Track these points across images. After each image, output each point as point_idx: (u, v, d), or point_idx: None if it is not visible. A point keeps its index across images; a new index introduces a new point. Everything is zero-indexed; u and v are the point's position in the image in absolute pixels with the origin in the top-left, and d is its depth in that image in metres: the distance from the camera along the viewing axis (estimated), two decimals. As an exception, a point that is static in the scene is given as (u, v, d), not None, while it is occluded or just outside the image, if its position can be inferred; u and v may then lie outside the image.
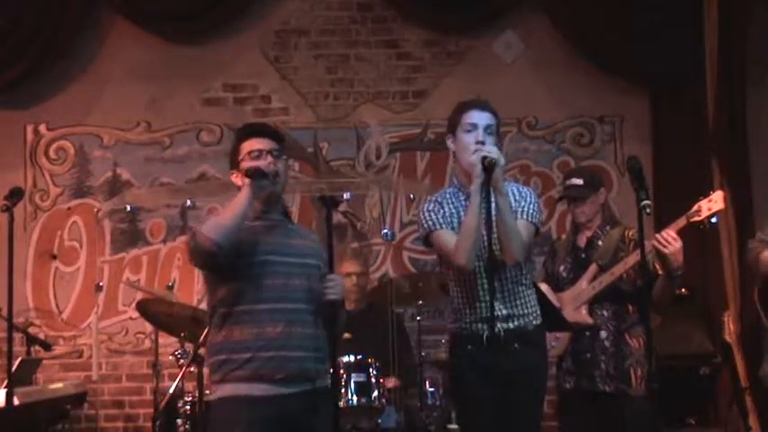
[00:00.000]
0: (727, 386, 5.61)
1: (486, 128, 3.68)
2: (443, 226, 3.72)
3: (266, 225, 3.42)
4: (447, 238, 3.69)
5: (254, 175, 3.31)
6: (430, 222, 3.74)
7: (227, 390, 3.28)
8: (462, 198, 3.74)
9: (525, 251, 3.70)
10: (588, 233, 4.47)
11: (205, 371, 4.58)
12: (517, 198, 3.74)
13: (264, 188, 3.36)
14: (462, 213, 3.70)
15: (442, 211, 3.75)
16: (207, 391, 4.56)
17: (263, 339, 3.24)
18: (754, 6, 6.01)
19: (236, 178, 3.45)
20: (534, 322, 3.78)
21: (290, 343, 3.27)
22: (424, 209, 3.79)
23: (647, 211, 3.54)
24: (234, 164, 3.47)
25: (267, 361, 3.24)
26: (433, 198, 3.83)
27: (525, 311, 3.75)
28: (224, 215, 3.31)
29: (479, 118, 3.70)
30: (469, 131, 3.69)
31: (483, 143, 3.62)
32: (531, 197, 3.77)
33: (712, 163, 5.82)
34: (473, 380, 3.72)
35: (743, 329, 5.53)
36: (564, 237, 4.72)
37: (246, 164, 3.37)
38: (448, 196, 3.80)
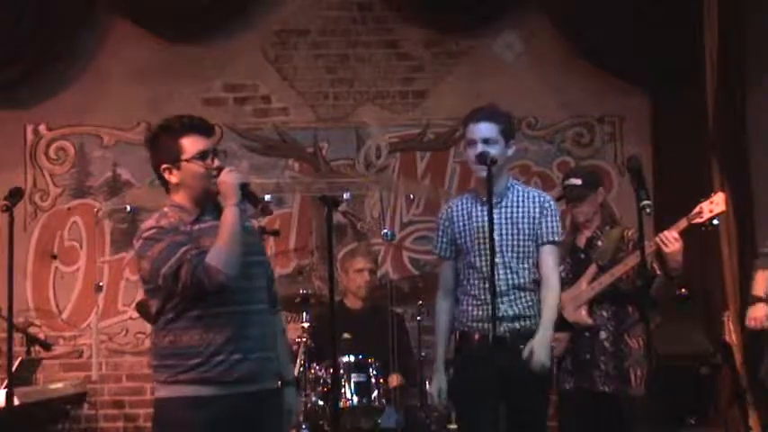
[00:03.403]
0: (727, 386, 5.61)
1: (485, 141, 3.78)
2: (447, 256, 3.99)
3: (205, 228, 3.22)
4: (446, 273, 4.01)
5: (250, 196, 3.18)
6: (438, 250, 4.04)
7: (173, 390, 3.19)
8: (478, 204, 3.88)
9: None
10: (587, 233, 4.47)
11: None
12: (539, 210, 3.87)
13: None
14: (476, 217, 3.86)
15: (451, 226, 3.95)
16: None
17: (213, 344, 3.14)
18: (754, 6, 6.01)
19: (172, 175, 3.23)
20: (539, 324, 3.83)
21: (239, 346, 3.17)
22: (441, 219, 4.03)
23: (648, 211, 3.56)
24: (172, 159, 3.21)
25: (217, 365, 3.14)
26: (450, 207, 4.03)
27: (531, 313, 3.81)
28: (227, 244, 3.10)
29: (476, 132, 3.84)
30: (470, 146, 3.85)
31: (483, 154, 3.73)
32: (553, 209, 3.92)
33: (712, 163, 5.81)
34: (476, 379, 3.75)
35: (743, 329, 5.53)
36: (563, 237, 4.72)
37: (199, 167, 3.18)
38: (463, 202, 3.98)
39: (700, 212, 4.10)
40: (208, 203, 3.26)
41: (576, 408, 4.39)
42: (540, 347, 3.75)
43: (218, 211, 3.23)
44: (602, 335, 4.32)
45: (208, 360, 3.15)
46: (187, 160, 3.20)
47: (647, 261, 4.13)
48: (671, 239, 4.06)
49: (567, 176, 4.58)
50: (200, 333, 3.16)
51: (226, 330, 3.16)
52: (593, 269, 4.36)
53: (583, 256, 4.45)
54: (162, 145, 3.25)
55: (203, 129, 3.28)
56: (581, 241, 4.49)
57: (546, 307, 3.84)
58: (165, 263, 3.08)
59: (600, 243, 4.41)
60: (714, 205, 4.09)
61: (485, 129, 3.80)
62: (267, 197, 6.20)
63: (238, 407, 3.16)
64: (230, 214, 3.14)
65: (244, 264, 3.17)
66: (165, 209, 3.24)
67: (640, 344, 4.22)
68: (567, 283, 4.44)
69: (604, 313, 4.34)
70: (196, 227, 3.20)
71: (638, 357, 4.23)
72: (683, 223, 4.11)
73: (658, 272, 4.18)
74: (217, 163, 3.22)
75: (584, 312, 4.34)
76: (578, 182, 4.46)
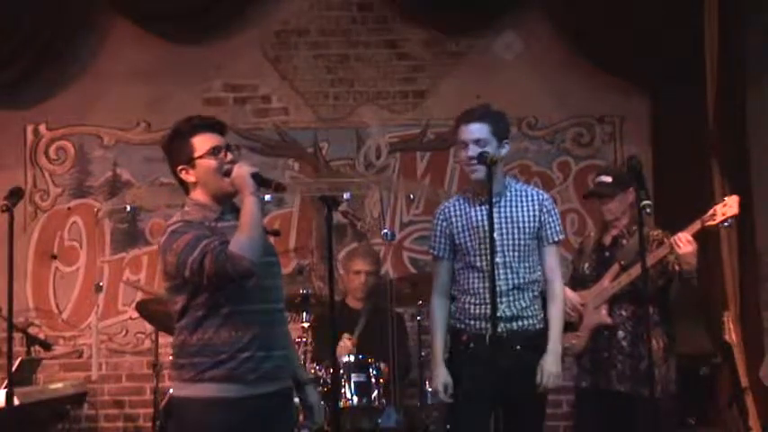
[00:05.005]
0: (727, 386, 5.61)
1: (476, 142, 3.79)
2: (444, 257, 3.96)
3: (227, 227, 3.25)
4: (441, 273, 3.98)
5: (263, 182, 3.23)
6: (435, 250, 4.00)
7: (196, 390, 3.20)
8: (477, 203, 3.89)
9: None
10: (614, 231, 4.50)
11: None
12: (538, 207, 3.88)
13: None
14: (475, 217, 3.85)
15: (450, 227, 3.93)
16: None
17: (241, 341, 3.18)
18: (754, 6, 6.01)
19: (188, 175, 3.31)
20: (538, 326, 3.84)
21: (264, 344, 3.22)
22: (438, 219, 4.00)
23: (648, 210, 3.58)
24: (186, 160, 3.29)
25: (243, 362, 3.18)
26: (447, 207, 4.00)
27: (529, 313, 3.81)
28: (248, 232, 3.13)
29: (466, 133, 3.87)
30: (462, 149, 3.87)
31: (472, 158, 3.77)
32: (553, 207, 3.95)
33: (712, 163, 5.82)
34: (472, 379, 3.75)
35: (743, 329, 5.53)
36: (592, 234, 4.74)
37: (217, 163, 3.24)
38: (460, 202, 3.96)
39: (713, 215, 4.15)
40: (227, 203, 3.32)
41: (591, 406, 4.41)
42: (552, 366, 3.80)
43: (237, 213, 3.28)
44: (620, 334, 4.35)
45: (234, 356, 3.18)
46: (200, 157, 3.27)
47: (669, 261, 4.19)
48: (684, 241, 4.09)
49: (599, 174, 4.61)
50: (229, 330, 3.20)
51: (253, 328, 3.20)
52: (615, 268, 4.39)
53: (607, 254, 4.48)
54: (175, 148, 3.33)
55: (213, 126, 3.35)
56: (607, 239, 4.52)
57: (553, 321, 3.87)
58: (191, 254, 3.12)
59: (625, 242, 4.43)
60: (727, 208, 4.13)
61: (475, 130, 3.82)
62: (267, 197, 6.23)
63: (259, 407, 3.20)
64: (249, 204, 3.18)
65: (265, 263, 3.21)
66: (187, 207, 3.31)
67: (659, 345, 4.25)
68: (590, 280, 4.49)
69: (623, 312, 4.37)
70: (219, 224, 3.25)
71: (655, 358, 4.21)
72: (696, 225, 4.15)
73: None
74: (230, 157, 3.28)
75: (603, 311, 4.37)
76: (608, 179, 4.48)
